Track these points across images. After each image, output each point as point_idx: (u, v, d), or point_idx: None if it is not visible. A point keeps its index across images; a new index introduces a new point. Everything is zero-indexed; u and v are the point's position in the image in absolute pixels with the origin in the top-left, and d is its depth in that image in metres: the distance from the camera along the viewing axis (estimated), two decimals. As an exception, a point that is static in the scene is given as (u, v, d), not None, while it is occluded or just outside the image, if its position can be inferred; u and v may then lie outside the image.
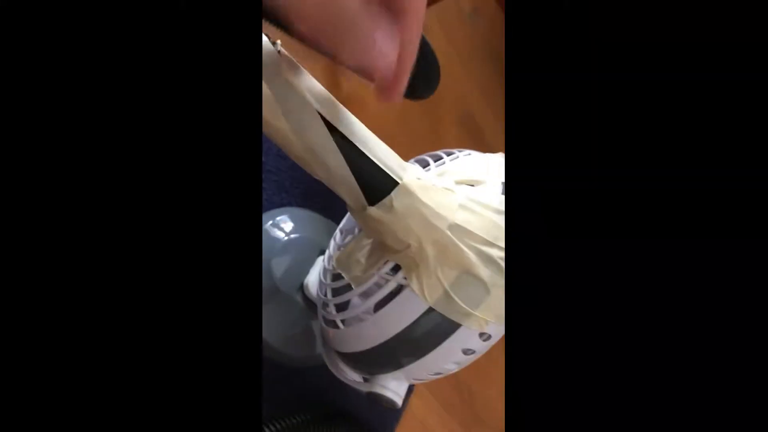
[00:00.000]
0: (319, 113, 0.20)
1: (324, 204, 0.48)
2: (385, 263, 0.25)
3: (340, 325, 0.27)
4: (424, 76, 0.28)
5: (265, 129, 0.21)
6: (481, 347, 0.26)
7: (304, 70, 0.21)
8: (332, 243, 0.32)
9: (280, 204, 0.45)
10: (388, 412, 0.50)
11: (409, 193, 0.22)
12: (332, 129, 0.21)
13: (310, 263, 0.42)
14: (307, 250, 0.42)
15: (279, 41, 0.20)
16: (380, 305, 0.25)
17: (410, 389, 0.53)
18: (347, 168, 0.21)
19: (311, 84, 0.20)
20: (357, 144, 0.21)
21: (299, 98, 0.20)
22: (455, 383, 0.58)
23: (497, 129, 0.77)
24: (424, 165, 0.29)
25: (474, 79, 0.77)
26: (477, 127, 0.76)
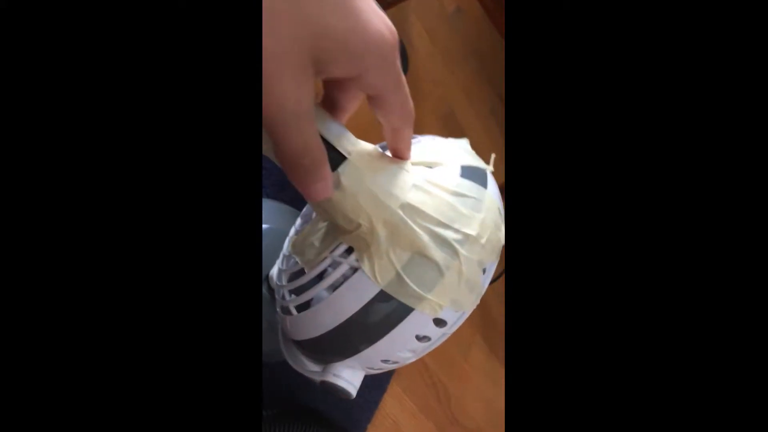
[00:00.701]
0: None
1: (294, 196, 0.47)
2: (338, 246, 0.24)
3: (293, 311, 0.26)
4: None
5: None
6: (436, 334, 0.25)
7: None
8: (292, 230, 0.31)
9: (249, 195, 0.44)
10: (361, 412, 0.49)
11: (357, 169, 0.22)
12: None
13: (278, 254, 0.41)
14: (275, 242, 0.41)
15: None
16: (332, 289, 0.25)
17: (383, 388, 0.52)
18: None
19: None
20: None
21: None
22: (431, 383, 0.57)
23: (478, 128, 0.76)
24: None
25: (456, 78, 0.77)
26: (458, 125, 0.76)
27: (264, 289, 0.40)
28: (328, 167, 0.21)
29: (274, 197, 0.46)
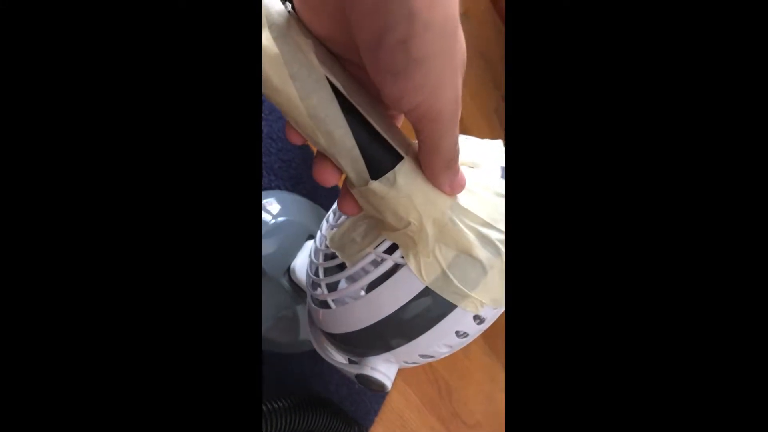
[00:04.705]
0: (327, 79, 0.20)
1: (312, 188, 0.47)
2: (381, 242, 0.25)
3: (332, 305, 0.27)
4: None
5: (269, 93, 0.20)
6: (474, 330, 0.26)
7: (312, 35, 0.20)
8: (324, 224, 0.32)
9: (268, 187, 0.44)
10: (369, 404, 0.50)
11: (413, 168, 0.22)
12: (338, 95, 0.20)
13: (297, 247, 0.41)
14: (294, 234, 0.42)
15: (289, 2, 0.19)
16: (373, 285, 0.25)
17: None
18: (352, 138, 0.21)
19: (320, 49, 0.20)
20: (364, 114, 0.21)
21: (307, 61, 0.19)
22: (433, 379, 0.58)
23: (484, 129, 0.77)
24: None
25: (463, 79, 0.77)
26: (464, 126, 0.76)
27: (285, 282, 0.40)
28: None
29: (290, 189, 0.46)
